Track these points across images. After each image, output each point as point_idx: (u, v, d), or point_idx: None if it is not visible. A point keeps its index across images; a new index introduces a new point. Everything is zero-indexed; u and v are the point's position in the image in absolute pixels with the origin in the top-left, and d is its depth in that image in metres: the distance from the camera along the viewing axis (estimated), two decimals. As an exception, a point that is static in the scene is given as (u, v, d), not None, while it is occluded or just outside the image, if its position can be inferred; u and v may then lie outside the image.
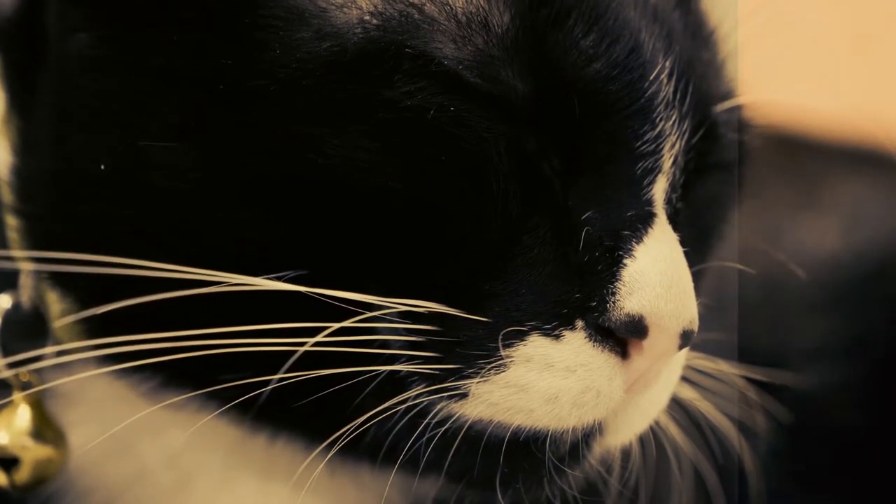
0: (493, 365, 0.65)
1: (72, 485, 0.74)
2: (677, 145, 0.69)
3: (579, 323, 0.66)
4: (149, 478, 0.74)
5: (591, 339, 0.66)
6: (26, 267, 0.72)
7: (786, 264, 0.89)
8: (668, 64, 0.69)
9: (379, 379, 0.65)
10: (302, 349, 0.64)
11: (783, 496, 0.95)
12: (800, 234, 1.05)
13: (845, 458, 1.00)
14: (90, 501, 0.74)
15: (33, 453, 0.72)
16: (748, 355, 0.83)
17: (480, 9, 0.66)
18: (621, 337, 0.66)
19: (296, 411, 0.66)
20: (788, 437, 0.95)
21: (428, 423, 0.66)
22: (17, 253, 0.72)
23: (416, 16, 0.65)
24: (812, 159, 1.13)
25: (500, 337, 0.65)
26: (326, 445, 0.67)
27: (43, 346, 0.72)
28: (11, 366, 0.71)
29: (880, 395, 1.01)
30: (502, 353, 0.65)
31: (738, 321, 0.92)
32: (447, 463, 0.67)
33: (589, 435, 0.68)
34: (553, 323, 0.65)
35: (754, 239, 0.85)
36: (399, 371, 0.66)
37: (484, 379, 0.65)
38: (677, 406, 0.76)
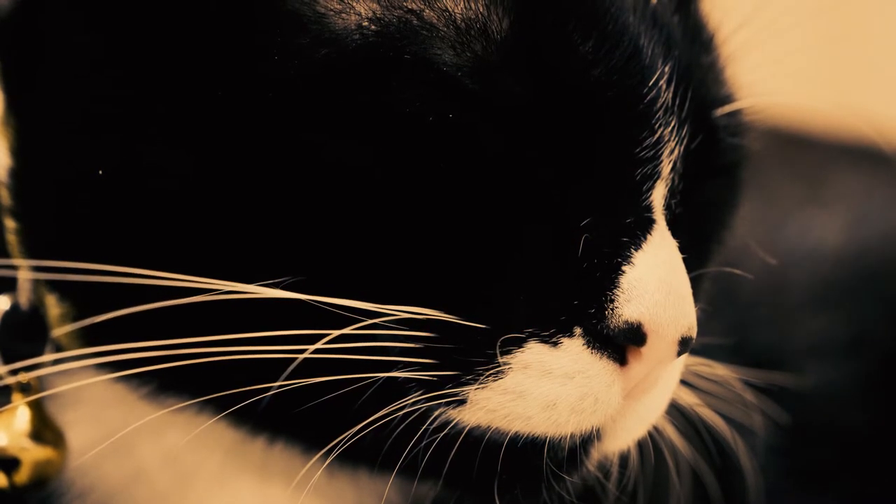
0: (491, 371, 0.65)
1: (70, 485, 0.74)
2: (676, 151, 0.69)
3: (577, 330, 0.66)
4: (147, 479, 0.74)
5: (589, 346, 0.66)
6: (24, 269, 0.72)
7: (783, 266, 0.89)
8: (667, 69, 0.69)
9: (377, 385, 0.65)
10: (301, 356, 0.64)
11: (782, 498, 0.95)
12: (798, 234, 1.05)
13: (844, 458, 1.00)
14: (88, 501, 0.74)
15: (33, 454, 0.72)
16: (745, 356, 0.83)
17: (479, 15, 0.65)
18: (620, 344, 0.66)
19: (295, 417, 0.66)
20: (787, 439, 0.95)
21: (426, 430, 0.66)
22: (17, 261, 0.72)
23: (414, 22, 0.65)
24: (810, 158, 1.13)
25: (498, 344, 0.65)
26: (325, 451, 0.67)
27: (41, 347, 0.72)
28: (11, 369, 0.71)
29: (880, 395, 1.01)
30: (500, 359, 0.65)
31: (735, 322, 0.92)
32: (445, 469, 0.67)
33: (587, 441, 0.68)
34: (551, 330, 0.65)
35: (752, 240, 0.85)
36: (397, 377, 0.65)
37: (482, 385, 0.65)
38: (675, 410, 0.76)
